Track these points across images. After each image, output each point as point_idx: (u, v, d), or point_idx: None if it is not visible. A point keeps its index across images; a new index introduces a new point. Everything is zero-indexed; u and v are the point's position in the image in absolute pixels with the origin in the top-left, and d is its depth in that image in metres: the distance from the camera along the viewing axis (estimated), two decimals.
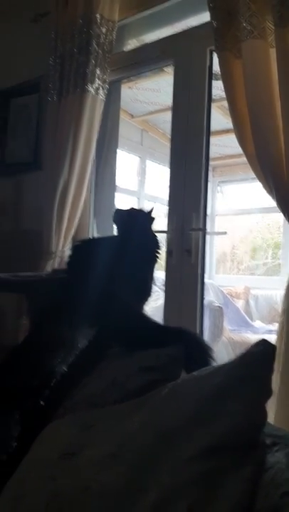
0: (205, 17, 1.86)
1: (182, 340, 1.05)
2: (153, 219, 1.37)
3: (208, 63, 2.06)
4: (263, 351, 0.70)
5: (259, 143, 1.64)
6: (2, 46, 2.85)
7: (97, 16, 2.19)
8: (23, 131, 2.66)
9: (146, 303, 1.24)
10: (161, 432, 0.69)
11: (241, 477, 0.60)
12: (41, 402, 1.05)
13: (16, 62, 2.75)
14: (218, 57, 1.79)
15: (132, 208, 1.38)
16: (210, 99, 2.08)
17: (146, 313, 1.22)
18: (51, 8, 2.36)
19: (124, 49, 2.44)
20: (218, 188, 5.40)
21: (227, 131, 4.13)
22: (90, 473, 0.68)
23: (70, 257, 1.29)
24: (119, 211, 1.36)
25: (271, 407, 1.48)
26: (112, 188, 2.57)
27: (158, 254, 1.28)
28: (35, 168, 2.55)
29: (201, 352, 1.05)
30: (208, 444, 0.63)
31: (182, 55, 2.12)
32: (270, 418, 1.46)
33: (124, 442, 0.71)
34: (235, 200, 5.45)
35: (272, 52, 1.63)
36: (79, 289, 1.19)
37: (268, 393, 0.69)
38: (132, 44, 2.47)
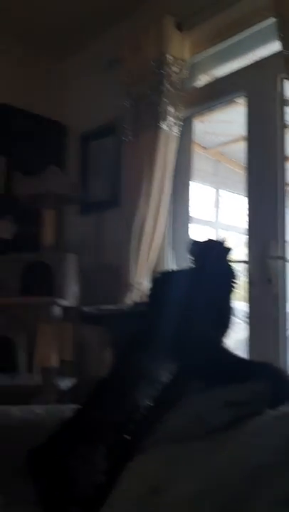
0: (273, 46, 1.87)
1: (267, 375, 1.02)
2: (229, 249, 1.36)
3: (279, 90, 2.06)
4: None
5: None
6: (80, 93, 3.05)
7: (168, 56, 2.28)
8: (103, 171, 2.81)
9: (227, 335, 1.22)
10: (249, 471, 0.67)
11: None
12: (126, 437, 1.06)
13: (93, 107, 2.91)
14: None
15: (208, 239, 1.38)
16: (283, 126, 2.07)
17: (227, 346, 1.20)
18: (125, 53, 2.49)
19: (196, 85, 2.51)
20: None
21: None
22: (180, 510, 0.68)
23: (151, 289, 1.31)
24: (195, 243, 1.37)
25: None
26: (187, 219, 2.59)
27: (235, 285, 1.27)
28: (115, 205, 2.67)
29: (286, 388, 1.01)
30: None
31: (253, 86, 2.14)
32: None
33: (211, 479, 0.69)
34: None
35: None
36: (159, 322, 1.20)
37: None
38: (203, 79, 2.53)
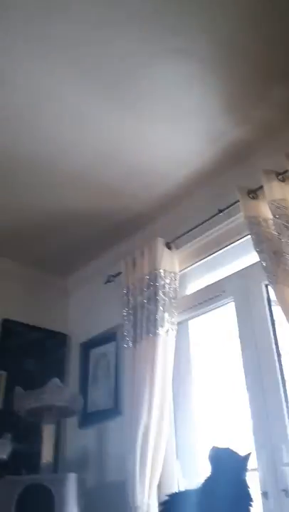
0: (255, 255, 2.11)
1: None
2: (246, 463, 1.29)
3: (265, 295, 2.24)
4: None
5: None
6: (81, 304, 3.28)
7: (161, 271, 2.54)
8: (103, 379, 2.83)
9: None
10: None
11: None
12: None
13: (93, 317, 3.10)
14: (274, 290, 1.96)
15: (227, 449, 1.32)
16: (273, 327, 2.18)
17: None
18: (122, 269, 2.78)
19: (187, 292, 2.72)
20: None
21: None
22: None
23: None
24: (214, 450, 1.31)
25: None
26: (192, 424, 2.51)
27: (251, 501, 1.18)
28: (116, 414, 2.61)
29: None
30: None
31: (240, 292, 2.33)
32: None
33: None
34: None
35: None
36: None
37: None
38: (194, 287, 2.76)
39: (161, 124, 2.26)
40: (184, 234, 2.56)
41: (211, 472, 1.22)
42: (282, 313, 1.90)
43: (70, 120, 2.23)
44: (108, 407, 2.71)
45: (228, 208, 2.34)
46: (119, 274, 2.80)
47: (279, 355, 2.12)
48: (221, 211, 2.38)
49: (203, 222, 2.46)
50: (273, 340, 2.15)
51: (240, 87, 2.09)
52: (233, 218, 2.35)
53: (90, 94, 2.09)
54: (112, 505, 2.30)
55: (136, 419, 2.25)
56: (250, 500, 1.18)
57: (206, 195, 2.59)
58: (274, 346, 2.13)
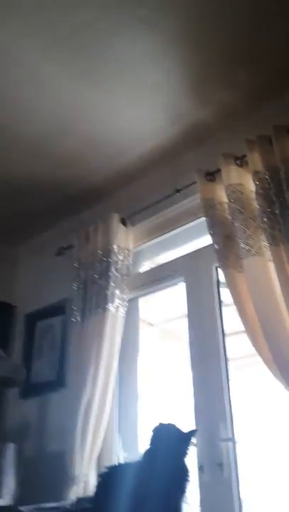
0: (208, 238, 2.13)
1: None
2: (189, 439, 1.32)
3: (215, 278, 2.28)
4: None
5: (273, 348, 1.71)
6: (30, 275, 3.21)
7: (114, 246, 2.52)
8: (48, 351, 2.81)
9: None
10: None
11: None
12: None
13: (42, 289, 3.05)
14: (223, 273, 2.00)
15: (171, 425, 1.34)
16: (220, 308, 2.23)
17: None
18: (74, 242, 2.74)
19: (141, 270, 2.73)
20: (245, 387, 5.27)
21: (243, 331, 4.25)
22: None
23: (96, 487, 1.24)
24: (158, 425, 1.33)
25: None
26: (135, 398, 2.56)
27: (187, 477, 1.22)
28: (59, 387, 2.61)
29: None
30: None
31: (191, 273, 2.36)
32: None
33: None
34: (265, 400, 5.25)
35: (271, 266, 1.83)
36: None
37: None
38: (147, 265, 2.78)
39: (124, 97, 2.22)
40: (140, 211, 2.55)
41: (152, 446, 1.25)
42: (230, 296, 1.95)
43: (29, 86, 2.14)
44: (52, 379, 2.70)
45: (185, 188, 2.34)
46: (71, 247, 2.76)
47: (224, 335, 2.18)
48: (178, 191, 2.39)
49: (159, 201, 2.46)
50: (219, 321, 2.20)
51: (206, 67, 2.08)
52: (189, 199, 2.36)
53: (51, 61, 2.01)
54: (52, 475, 2.32)
55: (79, 392, 2.27)
56: (187, 474, 1.22)
57: (165, 174, 2.58)
58: (219, 327, 2.19)
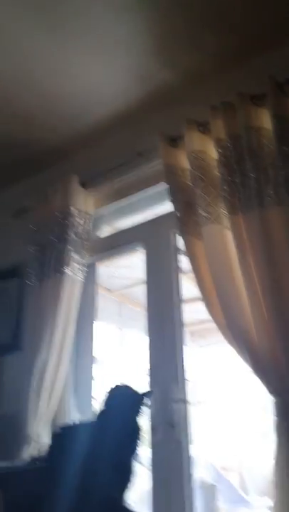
0: (169, 205, 2.12)
1: None
2: (143, 400, 1.34)
3: (174, 243, 2.29)
4: None
5: (227, 313, 1.75)
6: None
7: (73, 209, 2.48)
8: (3, 314, 2.76)
9: (128, 489, 1.17)
10: None
11: None
12: None
13: None
14: (182, 240, 2.01)
15: (126, 386, 1.36)
16: (178, 275, 2.25)
17: (127, 501, 1.15)
18: (32, 204, 2.67)
19: (100, 235, 2.71)
20: (199, 352, 5.44)
21: (199, 299, 4.35)
22: None
23: (50, 446, 1.25)
24: (113, 386, 1.34)
25: None
26: (91, 359, 2.58)
27: (139, 439, 1.25)
28: (15, 349, 2.59)
29: None
30: None
31: (151, 239, 2.36)
32: None
33: None
34: (218, 364, 5.44)
35: (229, 234, 1.86)
36: (57, 481, 1.13)
37: None
38: (107, 230, 2.75)
39: (86, 55, 2.13)
40: (100, 174, 2.50)
41: (106, 406, 1.27)
42: (188, 263, 1.96)
43: None
44: (7, 341, 2.68)
45: (147, 152, 2.31)
46: (29, 209, 2.69)
47: (180, 301, 2.21)
48: (140, 155, 2.35)
49: (121, 165, 2.42)
50: (176, 288, 2.23)
51: (173, 28, 2.02)
52: (151, 164, 2.32)
53: (8, 12, 1.90)
54: (5, 436, 2.33)
55: (35, 355, 2.26)
56: (139, 433, 1.25)
57: (127, 137, 2.53)
58: (177, 293, 2.21)
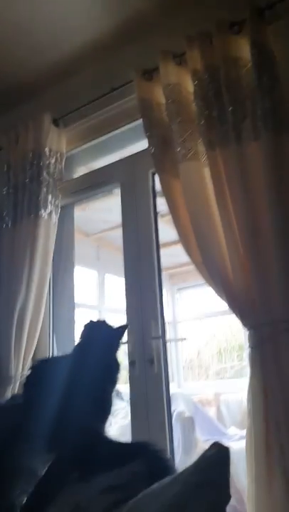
0: (145, 143, 2.06)
1: (144, 456, 1.02)
2: (120, 334, 1.35)
3: (151, 184, 2.25)
4: (216, 454, 0.70)
5: (204, 252, 1.75)
6: None
7: (46, 149, 2.39)
8: None
9: (107, 421, 1.20)
10: None
11: None
12: None
13: None
14: (159, 179, 1.97)
15: (102, 321, 1.36)
16: (156, 215, 2.23)
17: (107, 432, 1.18)
18: (3, 143, 2.57)
19: (75, 176, 2.64)
20: (177, 294, 5.53)
21: (178, 242, 4.36)
22: None
23: (27, 378, 1.26)
24: (89, 322, 1.35)
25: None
26: (72, 304, 2.59)
27: (118, 370, 1.27)
28: None
29: (161, 465, 1.02)
30: None
31: (127, 179, 2.31)
32: None
33: None
34: (195, 305, 5.56)
35: (207, 171, 1.82)
36: (36, 413, 1.15)
37: (226, 497, 0.67)
38: (81, 171, 2.68)
39: None
40: (73, 111, 2.40)
41: (83, 340, 1.27)
42: (166, 203, 1.93)
43: None
44: None
45: (121, 86, 2.21)
46: (0, 149, 2.59)
47: (157, 243, 2.20)
48: (114, 89, 2.25)
49: (94, 100, 2.31)
50: (154, 230, 2.20)
51: None
52: (126, 99, 2.23)
53: None
54: None
55: (13, 298, 2.25)
56: (118, 367, 1.27)
57: (100, 71, 2.41)
58: (154, 236, 2.19)
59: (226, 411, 4.29)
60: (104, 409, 1.23)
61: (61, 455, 1.12)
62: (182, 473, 0.73)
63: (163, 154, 1.96)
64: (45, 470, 1.12)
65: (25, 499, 1.05)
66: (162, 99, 1.98)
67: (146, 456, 1.02)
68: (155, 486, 0.76)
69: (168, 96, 1.93)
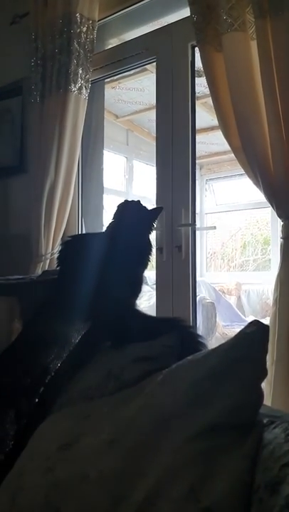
0: (185, 12, 1.85)
1: (175, 330, 1.05)
2: (154, 216, 1.32)
3: (190, 59, 2.06)
4: (256, 331, 0.70)
5: (244, 136, 1.64)
6: None
7: (77, 15, 2.19)
8: (8, 135, 2.64)
9: (138, 298, 1.22)
10: (158, 416, 0.69)
11: (241, 454, 0.60)
12: (36, 400, 1.04)
13: None
14: (200, 51, 1.79)
15: (137, 202, 1.33)
16: (194, 96, 2.08)
17: (137, 307, 1.21)
18: (30, 8, 2.35)
19: (106, 48, 2.44)
20: (206, 186, 5.43)
21: (212, 128, 4.16)
22: (88, 461, 0.68)
23: (60, 251, 1.27)
24: (124, 202, 1.33)
25: (267, 392, 1.49)
26: (100, 188, 2.57)
27: (151, 252, 1.26)
28: (21, 171, 2.54)
29: (194, 340, 1.05)
30: (207, 424, 0.63)
31: (164, 51, 2.12)
32: (267, 401, 1.47)
33: (120, 428, 0.70)
34: (224, 198, 5.48)
35: (253, 45, 1.64)
36: (70, 284, 1.18)
37: (262, 373, 0.69)
38: (113, 43, 2.47)
39: None
40: None
41: (116, 219, 1.26)
42: (206, 79, 1.78)
43: None
44: (13, 164, 2.61)
45: None
46: (27, 14, 2.38)
47: (194, 129, 2.08)
48: None
49: None
50: (191, 113, 2.07)
51: None
52: None
53: None
54: (17, 255, 2.42)
55: (42, 177, 2.23)
56: (150, 248, 1.26)
57: None
58: (190, 119, 2.07)
59: (246, 301, 4.43)
60: (136, 286, 1.25)
61: (95, 324, 1.16)
62: (219, 347, 0.74)
63: (206, 23, 1.76)
64: (79, 338, 1.18)
65: (58, 364, 1.12)
66: None
67: (179, 330, 1.06)
68: (190, 357, 0.78)
69: None
